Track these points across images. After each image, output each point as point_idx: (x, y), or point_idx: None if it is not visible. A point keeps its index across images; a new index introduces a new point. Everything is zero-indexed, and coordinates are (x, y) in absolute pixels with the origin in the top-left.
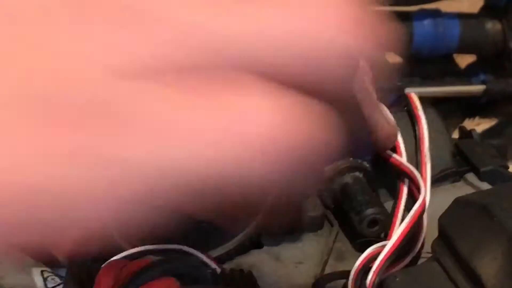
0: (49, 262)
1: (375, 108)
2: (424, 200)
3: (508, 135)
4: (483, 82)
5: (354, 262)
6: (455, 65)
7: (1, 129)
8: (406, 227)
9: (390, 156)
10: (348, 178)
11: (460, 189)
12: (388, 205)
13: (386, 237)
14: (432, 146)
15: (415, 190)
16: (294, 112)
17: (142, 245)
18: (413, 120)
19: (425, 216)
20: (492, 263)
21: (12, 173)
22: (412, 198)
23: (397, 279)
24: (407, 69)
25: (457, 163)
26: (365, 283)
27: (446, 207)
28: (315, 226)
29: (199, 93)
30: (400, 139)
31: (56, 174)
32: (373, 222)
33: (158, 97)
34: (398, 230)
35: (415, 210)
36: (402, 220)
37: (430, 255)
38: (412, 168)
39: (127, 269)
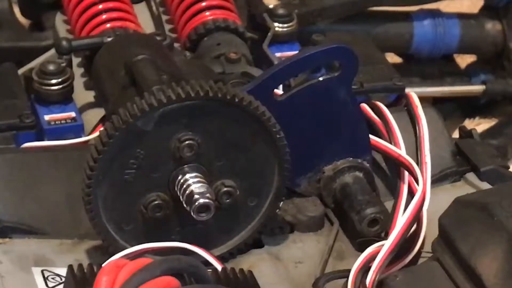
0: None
1: None
2: (423, 193)
3: (508, 135)
4: (483, 82)
5: (354, 262)
6: (455, 65)
7: None
8: (405, 222)
9: (389, 148)
10: (348, 178)
11: (460, 189)
12: (388, 205)
13: (387, 236)
14: (432, 146)
15: (415, 189)
16: None
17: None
18: (413, 120)
19: (425, 216)
20: (492, 263)
21: None
22: (412, 198)
23: (398, 278)
24: (407, 69)
25: (457, 163)
26: (365, 282)
27: (446, 207)
28: (315, 226)
29: None
30: (400, 135)
31: None
32: (373, 222)
33: None
34: (398, 225)
35: (415, 203)
36: None
37: (430, 255)
38: (410, 160)
39: (127, 268)
